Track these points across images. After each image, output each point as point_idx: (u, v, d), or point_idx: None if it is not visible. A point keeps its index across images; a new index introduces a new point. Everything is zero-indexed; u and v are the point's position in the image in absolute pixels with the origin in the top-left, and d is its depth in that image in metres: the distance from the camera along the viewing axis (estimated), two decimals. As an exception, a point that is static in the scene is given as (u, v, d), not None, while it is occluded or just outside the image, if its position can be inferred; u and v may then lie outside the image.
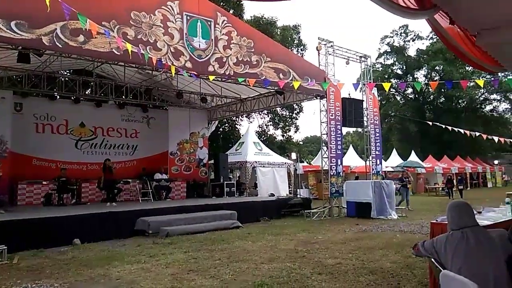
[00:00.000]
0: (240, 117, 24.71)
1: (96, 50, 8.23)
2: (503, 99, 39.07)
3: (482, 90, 39.04)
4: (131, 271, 5.84)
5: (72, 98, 13.69)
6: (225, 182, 15.74)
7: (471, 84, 24.43)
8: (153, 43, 9.18)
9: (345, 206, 13.48)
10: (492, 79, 15.61)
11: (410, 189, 27.29)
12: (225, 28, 10.71)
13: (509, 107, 37.32)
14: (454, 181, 22.61)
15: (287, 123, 28.09)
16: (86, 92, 14.94)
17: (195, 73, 8.93)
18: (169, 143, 16.00)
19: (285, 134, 28.56)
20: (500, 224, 4.72)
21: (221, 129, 24.47)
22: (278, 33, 25.29)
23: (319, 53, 13.45)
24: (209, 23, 10.34)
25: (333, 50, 13.62)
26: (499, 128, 36.93)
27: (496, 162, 37.15)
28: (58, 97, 14.20)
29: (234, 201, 12.83)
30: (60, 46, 7.73)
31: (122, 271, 5.84)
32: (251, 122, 26.36)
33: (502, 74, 7.07)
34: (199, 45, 10.03)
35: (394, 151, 32.21)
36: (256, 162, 17.21)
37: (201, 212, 10.59)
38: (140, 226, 9.27)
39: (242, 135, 21.52)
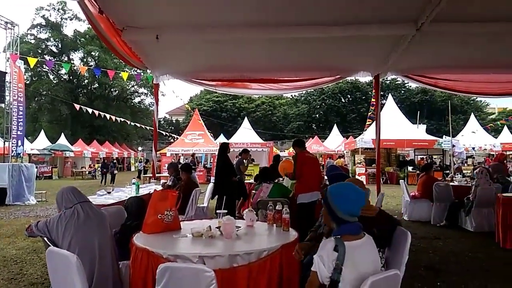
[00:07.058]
0: None
1: None
2: (149, 93, 44.17)
3: (133, 83, 42.84)
4: None
5: None
6: None
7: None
8: None
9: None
10: (135, 73, 17.52)
11: (57, 173, 26.56)
12: None
13: (153, 101, 42.50)
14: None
15: None
16: None
17: None
18: None
19: None
20: (121, 201, 5.49)
21: None
22: None
23: None
24: None
25: (-34, 5, 11.14)
26: (145, 119, 41.71)
27: (140, 148, 41.91)
28: None
29: None
30: None
31: None
32: None
33: (150, 71, 8.09)
34: None
35: (43, 132, 30.19)
36: None
37: None
38: None
39: None
